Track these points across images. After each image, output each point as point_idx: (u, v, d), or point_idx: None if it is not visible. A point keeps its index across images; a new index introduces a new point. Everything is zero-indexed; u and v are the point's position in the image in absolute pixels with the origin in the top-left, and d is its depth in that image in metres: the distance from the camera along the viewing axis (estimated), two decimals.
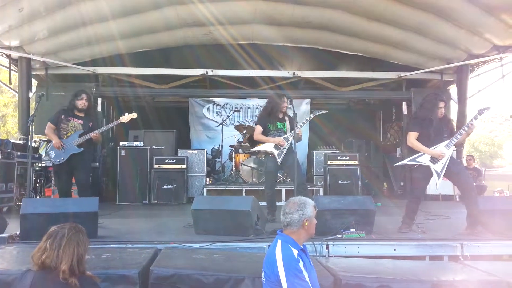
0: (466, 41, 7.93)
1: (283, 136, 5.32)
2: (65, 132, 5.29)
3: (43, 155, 8.16)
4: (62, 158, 5.19)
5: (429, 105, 4.69)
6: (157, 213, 6.87)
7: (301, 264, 2.37)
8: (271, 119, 5.42)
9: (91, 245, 2.48)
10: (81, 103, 5.35)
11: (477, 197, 4.61)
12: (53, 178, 7.61)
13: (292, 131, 5.26)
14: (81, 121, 5.35)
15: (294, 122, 5.25)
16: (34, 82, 9.04)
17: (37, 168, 7.75)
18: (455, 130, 4.73)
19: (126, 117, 5.60)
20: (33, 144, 6.15)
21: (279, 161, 5.26)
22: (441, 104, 4.66)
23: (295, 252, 2.42)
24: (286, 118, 5.46)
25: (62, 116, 5.33)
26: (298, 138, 5.26)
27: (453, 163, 4.62)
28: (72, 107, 5.39)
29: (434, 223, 5.30)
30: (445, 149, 4.54)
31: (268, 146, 5.34)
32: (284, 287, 2.32)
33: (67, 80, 9.27)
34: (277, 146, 5.28)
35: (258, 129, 5.43)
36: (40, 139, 9.08)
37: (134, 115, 5.69)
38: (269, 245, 3.10)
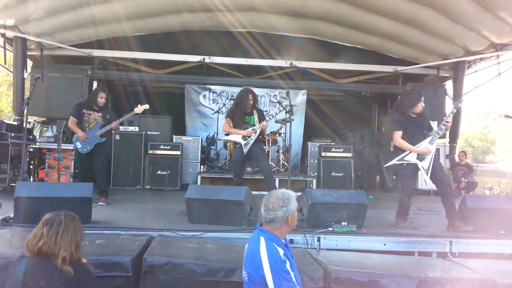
0: (463, 37, 7.94)
1: (252, 128, 5.58)
2: (87, 125, 5.86)
3: (37, 137, 8.15)
4: (88, 148, 5.76)
5: (409, 102, 4.77)
6: (150, 199, 6.90)
7: (287, 265, 2.28)
8: (239, 113, 5.66)
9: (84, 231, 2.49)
10: (101, 101, 5.91)
11: (452, 194, 4.72)
12: (47, 160, 7.61)
13: (261, 123, 5.56)
14: (100, 114, 5.95)
15: (263, 114, 5.75)
16: (29, 63, 8.94)
17: (31, 150, 7.71)
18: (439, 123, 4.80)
19: (139, 108, 6.06)
20: (27, 126, 6.14)
21: (245, 151, 5.52)
22: (422, 99, 4.74)
23: (281, 252, 2.31)
24: (254, 111, 5.73)
25: (84, 110, 5.88)
26: (263, 131, 5.68)
27: (434, 159, 4.72)
28: (91, 102, 5.96)
29: (425, 219, 5.37)
30: (429, 145, 4.65)
31: (235, 136, 5.63)
32: None
33: (63, 61, 9.17)
34: (244, 137, 5.54)
35: (227, 121, 5.72)
36: (35, 121, 9.03)
37: (147, 106, 6.12)
38: None
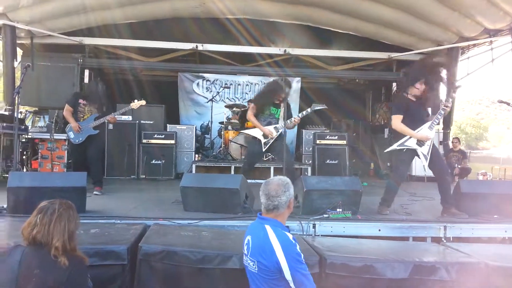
0: (458, 23, 7.91)
1: (274, 126, 5.39)
2: (81, 115, 5.78)
3: (30, 127, 8.07)
4: (80, 139, 5.72)
5: (406, 86, 4.70)
6: (145, 188, 6.87)
7: (298, 247, 2.33)
8: (267, 102, 5.45)
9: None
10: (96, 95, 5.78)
11: (449, 180, 4.72)
12: (40, 150, 7.54)
13: (285, 122, 5.25)
14: (96, 105, 5.84)
15: (290, 111, 5.42)
16: (19, 51, 8.80)
17: (24, 140, 7.63)
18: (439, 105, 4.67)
19: (135, 104, 5.98)
20: (19, 116, 6.07)
21: (264, 149, 5.38)
22: (417, 85, 4.63)
23: (290, 236, 2.37)
24: (282, 104, 5.41)
25: (80, 100, 5.81)
26: (290, 127, 5.47)
27: (432, 145, 4.69)
28: (87, 94, 5.89)
29: (419, 205, 5.42)
30: (428, 131, 4.59)
31: (257, 132, 5.43)
32: (286, 274, 2.27)
33: (53, 50, 9.03)
34: (265, 135, 5.36)
35: (253, 108, 5.50)
36: (27, 110, 8.93)
37: (143, 102, 6.05)
38: None
